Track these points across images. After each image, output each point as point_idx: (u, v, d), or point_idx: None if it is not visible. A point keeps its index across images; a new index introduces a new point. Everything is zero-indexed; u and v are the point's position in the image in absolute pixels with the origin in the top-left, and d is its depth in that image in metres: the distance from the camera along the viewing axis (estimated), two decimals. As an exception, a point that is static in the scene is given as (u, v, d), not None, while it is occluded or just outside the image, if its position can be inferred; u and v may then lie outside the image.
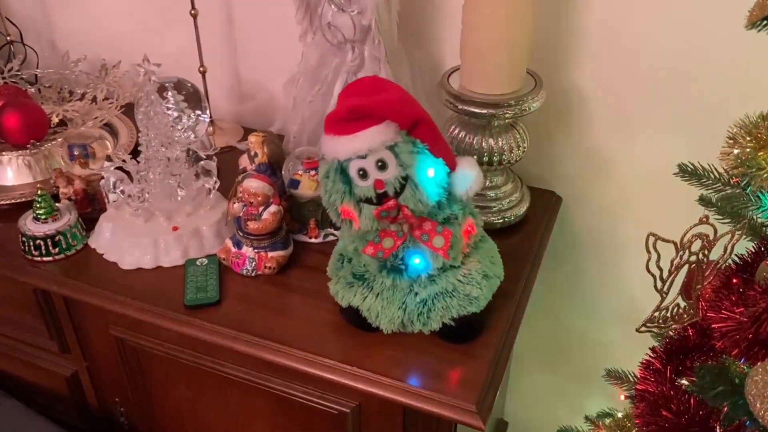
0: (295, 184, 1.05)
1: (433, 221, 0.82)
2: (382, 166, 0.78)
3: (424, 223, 0.82)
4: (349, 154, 0.78)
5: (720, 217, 0.81)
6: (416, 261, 0.84)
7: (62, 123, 1.28)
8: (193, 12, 1.21)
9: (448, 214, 0.83)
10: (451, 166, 0.81)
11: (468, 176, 0.81)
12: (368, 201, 0.80)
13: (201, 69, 1.27)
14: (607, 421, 1.06)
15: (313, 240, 1.06)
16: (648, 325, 0.88)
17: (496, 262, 0.91)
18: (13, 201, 1.13)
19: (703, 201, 0.83)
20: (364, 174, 0.79)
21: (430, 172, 0.79)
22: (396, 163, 0.78)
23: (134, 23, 1.41)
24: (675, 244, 0.79)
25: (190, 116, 1.12)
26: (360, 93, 0.80)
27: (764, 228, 0.80)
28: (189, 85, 1.18)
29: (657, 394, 0.75)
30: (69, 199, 1.08)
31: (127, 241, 1.02)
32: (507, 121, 1.02)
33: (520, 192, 1.12)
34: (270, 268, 0.98)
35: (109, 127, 1.29)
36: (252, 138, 1.06)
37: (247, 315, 0.93)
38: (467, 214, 0.85)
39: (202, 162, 1.06)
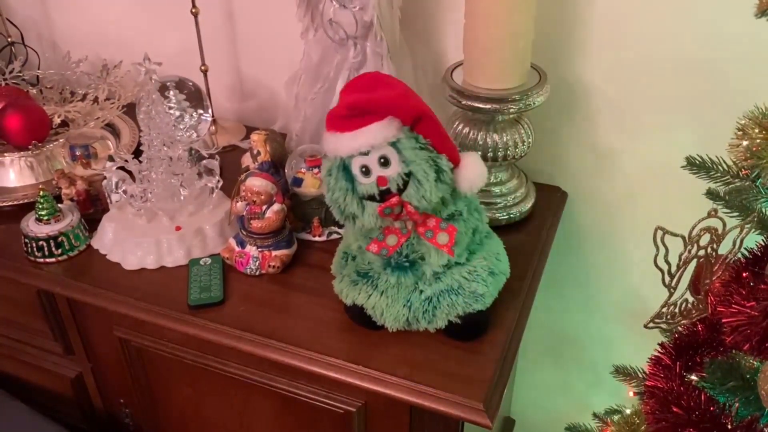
0: (298, 182, 1.05)
1: (438, 218, 0.81)
2: (384, 162, 0.77)
3: (428, 219, 0.81)
4: (351, 151, 0.77)
5: (729, 210, 0.80)
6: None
7: (64, 124, 1.27)
8: (194, 10, 1.21)
9: (452, 211, 0.82)
10: (455, 162, 0.80)
11: (472, 172, 0.81)
12: (371, 198, 0.79)
13: (202, 68, 1.26)
14: (616, 418, 1.05)
15: (316, 238, 1.05)
16: (656, 321, 0.87)
17: (502, 259, 0.90)
18: (15, 202, 1.13)
19: (711, 194, 0.82)
20: (366, 171, 0.78)
21: (432, 166, 0.77)
22: (399, 159, 0.77)
23: (135, 23, 1.40)
24: (683, 238, 0.78)
25: (192, 115, 1.12)
26: (361, 89, 0.79)
27: (774, 221, 0.79)
28: (190, 84, 1.17)
29: (667, 391, 0.74)
30: (71, 199, 1.08)
31: (130, 242, 1.01)
32: (511, 116, 1.01)
33: (526, 188, 1.11)
34: (274, 267, 0.98)
35: (111, 128, 1.29)
36: (254, 136, 1.06)
37: (251, 314, 0.93)
38: (472, 211, 0.84)
39: (204, 161, 1.06)
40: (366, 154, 0.77)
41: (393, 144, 0.76)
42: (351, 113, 0.76)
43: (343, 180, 0.79)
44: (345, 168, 0.79)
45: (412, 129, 0.77)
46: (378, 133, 0.76)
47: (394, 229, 0.82)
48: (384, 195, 0.78)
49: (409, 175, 0.77)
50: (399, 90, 0.79)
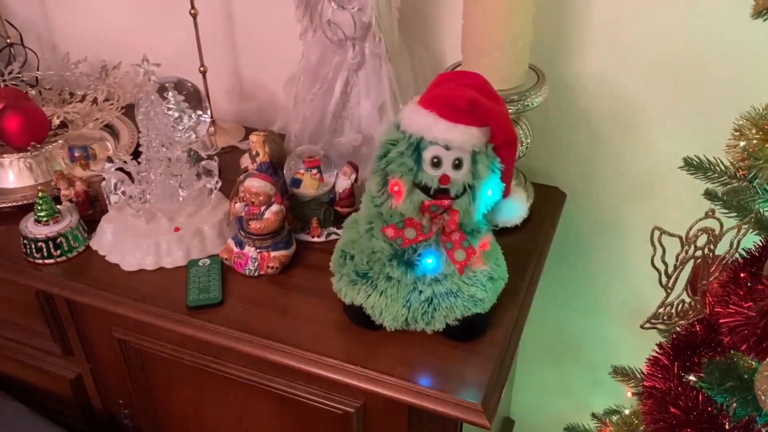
0: (296, 183, 1.05)
1: (463, 234, 0.82)
2: (458, 165, 0.77)
3: (455, 232, 0.82)
4: (439, 139, 0.76)
5: (726, 211, 0.80)
6: (429, 261, 0.84)
7: (63, 125, 1.27)
8: (192, 12, 1.21)
9: (474, 227, 0.83)
10: (506, 194, 0.82)
11: (516, 209, 0.84)
12: (424, 189, 0.79)
13: (201, 69, 1.26)
14: (614, 418, 1.05)
15: (315, 239, 1.05)
16: (653, 321, 0.88)
17: (501, 265, 0.91)
18: (14, 203, 1.13)
19: (709, 195, 0.82)
20: (437, 163, 0.77)
21: (489, 192, 0.79)
22: (469, 169, 0.77)
23: (134, 24, 1.40)
24: (680, 238, 0.78)
25: (191, 116, 1.12)
26: (476, 88, 0.77)
27: (772, 221, 0.79)
28: (189, 85, 1.18)
29: (665, 391, 0.75)
30: (70, 200, 1.08)
31: (129, 243, 1.01)
32: (510, 116, 1.01)
33: (524, 188, 1.11)
34: (273, 267, 0.98)
35: (110, 129, 1.29)
36: (253, 137, 1.06)
37: (249, 315, 0.93)
38: (488, 231, 0.86)
39: (203, 162, 1.06)
40: (447, 148, 0.77)
41: (474, 153, 0.77)
42: (466, 108, 0.75)
43: (410, 159, 0.78)
44: (416, 149, 0.78)
45: (494, 149, 0.78)
46: (472, 138, 0.76)
47: (417, 223, 0.82)
48: (437, 192, 0.78)
49: (470, 187, 0.78)
50: (505, 108, 0.80)
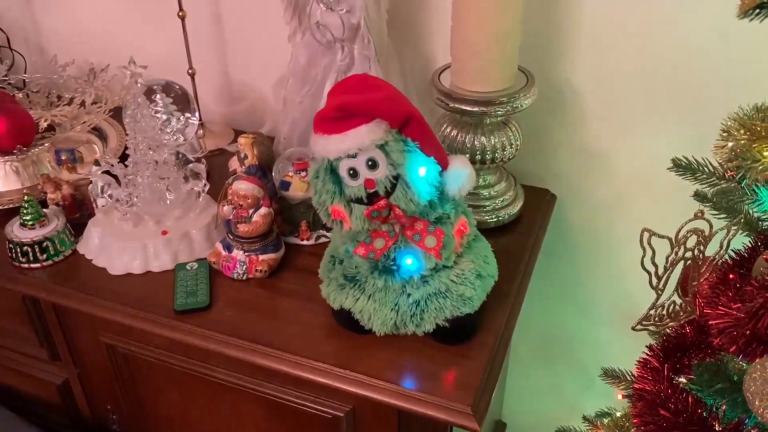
0: (285, 185, 1.04)
1: (425, 221, 0.81)
2: (372, 165, 0.77)
3: (416, 223, 0.81)
4: (339, 153, 0.77)
5: (716, 212, 0.80)
6: (408, 261, 0.83)
7: (51, 128, 1.27)
8: (180, 14, 1.20)
9: (440, 214, 0.82)
10: (443, 165, 0.80)
11: (460, 175, 0.80)
12: (359, 201, 0.79)
13: (190, 71, 1.26)
14: (606, 420, 1.04)
15: (304, 242, 1.05)
16: (644, 323, 0.87)
17: (490, 262, 0.90)
18: (0, 207, 1.12)
19: (699, 196, 0.82)
20: (354, 173, 0.77)
21: (421, 171, 0.77)
22: (387, 162, 0.76)
23: (122, 26, 1.39)
24: (670, 239, 0.78)
25: (179, 119, 1.11)
26: (349, 91, 0.78)
27: (760, 222, 0.79)
28: (177, 87, 1.17)
29: (655, 393, 0.74)
30: (57, 204, 1.07)
31: (116, 246, 1.00)
32: (499, 118, 1.01)
33: (514, 190, 1.11)
34: (261, 271, 0.97)
35: (99, 132, 1.28)
36: (241, 140, 1.05)
37: (238, 319, 0.92)
38: (460, 214, 0.84)
39: (190, 165, 1.05)
40: (353, 156, 0.76)
41: (381, 146, 0.76)
42: (339, 115, 0.76)
43: (330, 182, 0.79)
44: (332, 170, 0.79)
45: (400, 131, 0.77)
46: (366, 136, 0.75)
47: (382, 232, 0.82)
48: (372, 198, 0.78)
49: (397, 177, 0.77)
50: (387, 92, 0.79)
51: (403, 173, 0.77)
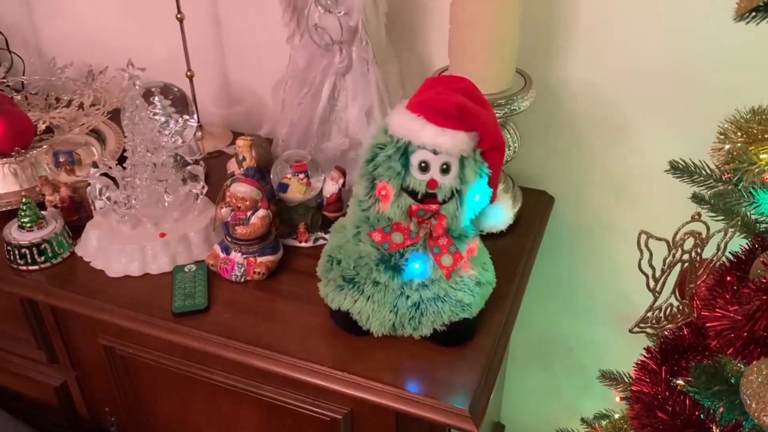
0: (283, 187, 1.04)
1: (450, 238, 0.82)
2: (445, 169, 0.77)
3: (442, 237, 0.81)
4: (427, 144, 0.76)
5: (713, 214, 0.80)
6: (416, 266, 0.83)
7: (49, 130, 1.27)
8: (179, 16, 1.20)
9: (462, 232, 0.83)
10: (492, 199, 0.82)
11: (501, 215, 0.84)
12: (412, 193, 0.78)
13: (188, 73, 1.26)
14: (604, 422, 1.05)
15: (302, 244, 1.05)
16: (641, 325, 0.87)
17: (489, 269, 0.90)
18: (-2, 209, 1.12)
19: (696, 198, 0.83)
20: (425, 168, 0.77)
21: (476, 197, 0.79)
22: (457, 174, 0.77)
23: (121, 28, 1.40)
24: (667, 242, 0.78)
25: (177, 121, 1.11)
26: (463, 93, 0.77)
27: (757, 225, 0.79)
28: (176, 89, 1.17)
29: (652, 395, 0.74)
30: (55, 206, 1.07)
31: (114, 249, 1.00)
32: (497, 121, 1.01)
33: (512, 192, 1.11)
34: (259, 273, 0.97)
35: (97, 134, 1.28)
36: (240, 142, 1.05)
37: (236, 321, 0.92)
38: (475, 236, 0.85)
39: (189, 167, 1.05)
40: (435, 153, 0.76)
41: (461, 158, 0.76)
42: (453, 113, 0.75)
43: (398, 163, 0.77)
44: (404, 153, 0.78)
45: (482, 154, 0.78)
46: (460, 143, 0.76)
47: (404, 228, 0.81)
48: (424, 197, 0.78)
49: (458, 192, 0.78)
50: (492, 113, 0.80)
51: (465, 191, 0.77)
